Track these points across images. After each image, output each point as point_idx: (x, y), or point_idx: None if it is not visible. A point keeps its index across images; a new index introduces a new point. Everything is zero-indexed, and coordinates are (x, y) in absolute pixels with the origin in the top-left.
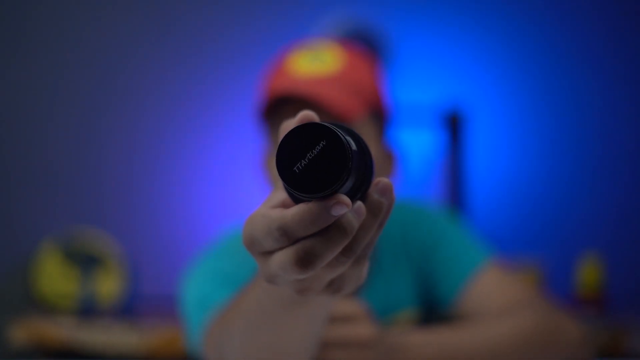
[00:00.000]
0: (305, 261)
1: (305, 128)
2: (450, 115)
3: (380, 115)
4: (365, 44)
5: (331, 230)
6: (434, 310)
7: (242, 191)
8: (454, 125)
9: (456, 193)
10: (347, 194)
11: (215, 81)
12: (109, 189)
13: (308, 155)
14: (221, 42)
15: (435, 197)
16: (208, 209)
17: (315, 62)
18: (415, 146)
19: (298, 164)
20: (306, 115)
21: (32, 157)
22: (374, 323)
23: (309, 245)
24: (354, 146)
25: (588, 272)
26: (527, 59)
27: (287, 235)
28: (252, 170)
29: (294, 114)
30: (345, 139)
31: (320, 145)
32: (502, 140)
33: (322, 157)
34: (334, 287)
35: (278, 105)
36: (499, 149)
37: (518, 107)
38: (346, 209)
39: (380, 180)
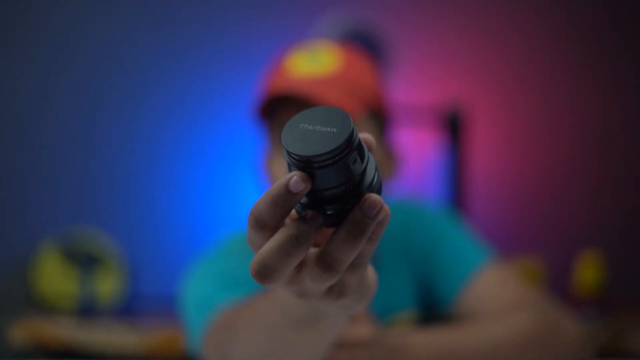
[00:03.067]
0: (259, 269)
1: (333, 110)
2: (450, 115)
3: (379, 116)
4: (365, 44)
5: (282, 234)
6: (434, 310)
7: (242, 192)
8: (454, 125)
9: (456, 193)
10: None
11: (214, 82)
12: (109, 189)
13: (317, 127)
14: (221, 43)
15: (435, 197)
16: (208, 210)
17: (313, 62)
18: (415, 146)
19: (304, 126)
20: (367, 137)
21: (32, 157)
22: (373, 324)
23: (264, 252)
24: (364, 161)
25: (588, 271)
26: (527, 58)
27: (254, 218)
28: (252, 171)
29: (291, 114)
30: (356, 139)
31: (333, 128)
32: (501, 140)
33: (326, 133)
34: (334, 292)
35: (276, 106)
36: (498, 148)
37: (518, 107)
38: (303, 186)
39: (368, 196)
